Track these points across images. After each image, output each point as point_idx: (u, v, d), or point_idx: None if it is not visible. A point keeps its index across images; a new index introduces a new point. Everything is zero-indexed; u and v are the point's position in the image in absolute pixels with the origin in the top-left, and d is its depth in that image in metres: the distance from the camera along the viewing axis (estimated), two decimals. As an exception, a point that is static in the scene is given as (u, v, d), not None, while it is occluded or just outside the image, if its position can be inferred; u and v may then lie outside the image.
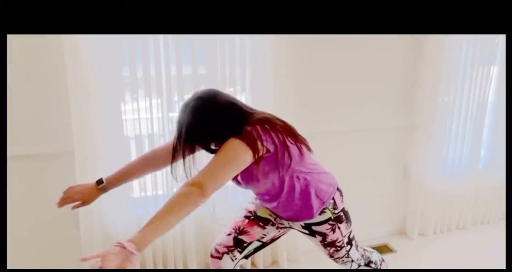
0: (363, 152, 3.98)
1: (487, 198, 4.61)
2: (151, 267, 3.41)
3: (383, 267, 2.98)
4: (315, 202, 2.40)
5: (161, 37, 3.01)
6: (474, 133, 4.28)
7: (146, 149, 3.21)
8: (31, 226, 3.19)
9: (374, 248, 2.89)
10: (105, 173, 3.02)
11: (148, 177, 3.25)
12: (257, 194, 2.57)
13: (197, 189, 2.00)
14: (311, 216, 2.45)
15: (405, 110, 4.05)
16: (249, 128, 2.17)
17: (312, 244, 2.68)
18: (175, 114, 3.14)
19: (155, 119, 3.17)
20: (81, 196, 2.49)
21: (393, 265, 3.21)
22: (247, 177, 2.36)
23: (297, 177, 2.36)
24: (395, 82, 3.95)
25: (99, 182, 2.48)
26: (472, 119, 4.21)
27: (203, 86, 3.18)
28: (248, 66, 3.31)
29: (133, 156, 3.22)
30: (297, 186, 2.36)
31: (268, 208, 2.63)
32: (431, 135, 4.05)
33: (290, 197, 2.39)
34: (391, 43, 3.81)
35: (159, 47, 3.03)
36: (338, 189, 2.53)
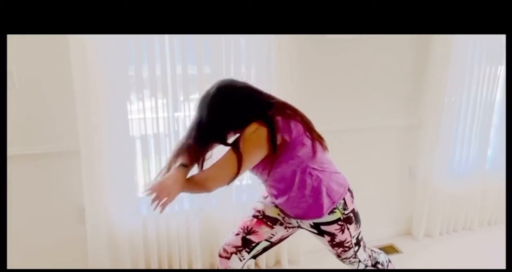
0: (368, 152, 4.00)
1: (494, 199, 4.63)
2: (156, 267, 3.44)
3: (390, 268, 3.00)
4: (325, 201, 2.42)
5: (166, 37, 3.04)
6: (481, 133, 4.30)
7: (152, 149, 3.26)
8: (37, 225, 3.21)
9: (379, 248, 2.91)
10: (111, 172, 3.07)
11: (153, 177, 3.27)
12: (267, 186, 2.58)
13: (209, 184, 2.31)
14: (320, 215, 2.46)
15: (411, 110, 4.07)
16: (269, 116, 2.26)
17: (313, 245, 2.70)
18: (181, 114, 3.18)
19: (161, 118, 3.20)
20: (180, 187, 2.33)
21: (399, 266, 3.23)
22: (260, 164, 2.38)
23: (310, 174, 2.38)
24: (401, 81, 3.97)
25: (184, 165, 2.36)
26: (479, 119, 4.24)
27: (208, 86, 3.22)
28: (253, 66, 3.34)
29: (139, 156, 3.28)
30: (309, 183, 2.38)
31: (277, 207, 2.64)
32: (437, 135, 4.07)
33: (301, 193, 2.41)
34: (397, 42, 3.83)
35: (164, 47, 3.07)
36: (349, 190, 2.55)
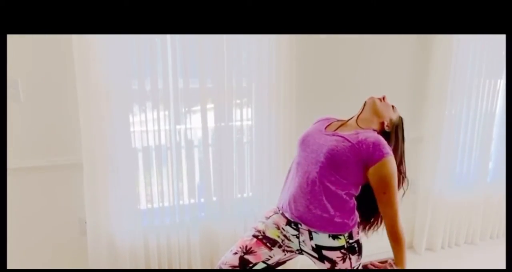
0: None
1: (496, 212, 4.78)
2: None
3: None
4: (340, 224, 2.52)
5: (169, 50, 3.20)
6: (482, 146, 4.47)
7: (153, 161, 3.38)
8: (38, 237, 3.32)
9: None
10: (112, 184, 3.17)
11: (155, 189, 3.43)
12: (301, 174, 2.57)
13: (400, 233, 2.55)
14: (324, 230, 2.53)
15: (412, 123, 4.20)
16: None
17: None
18: (182, 126, 3.34)
19: (163, 131, 3.33)
20: None
21: None
22: (333, 174, 2.46)
23: (349, 194, 2.52)
24: (401, 94, 4.13)
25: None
26: (479, 132, 4.41)
27: (210, 99, 3.38)
28: (254, 79, 3.51)
29: (141, 168, 3.41)
30: (340, 201, 2.49)
31: (278, 228, 2.69)
32: (438, 148, 4.23)
33: (327, 204, 2.47)
34: (397, 55, 4.01)
35: (167, 60, 3.22)
36: (358, 222, 2.67)
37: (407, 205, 4.37)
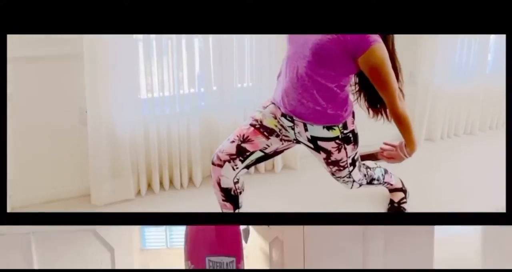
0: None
1: (495, 103, 4.87)
2: (156, 169, 3.64)
3: (387, 179, 3.26)
4: (333, 116, 2.58)
5: None
6: (481, 36, 4.47)
7: (154, 50, 3.37)
8: (38, 125, 3.35)
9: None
10: (113, 74, 3.18)
11: (155, 79, 3.45)
12: (291, 68, 2.55)
13: (402, 114, 2.57)
14: (318, 122, 2.59)
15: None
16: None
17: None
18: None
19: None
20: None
21: (398, 171, 3.39)
22: (323, 67, 2.45)
23: (339, 86, 2.54)
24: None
25: None
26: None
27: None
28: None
29: (141, 57, 3.40)
30: (332, 93, 2.52)
31: (275, 118, 2.74)
32: (437, 39, 4.24)
33: (319, 97, 2.50)
34: None
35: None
36: (352, 112, 2.72)
37: (406, 97, 4.40)
